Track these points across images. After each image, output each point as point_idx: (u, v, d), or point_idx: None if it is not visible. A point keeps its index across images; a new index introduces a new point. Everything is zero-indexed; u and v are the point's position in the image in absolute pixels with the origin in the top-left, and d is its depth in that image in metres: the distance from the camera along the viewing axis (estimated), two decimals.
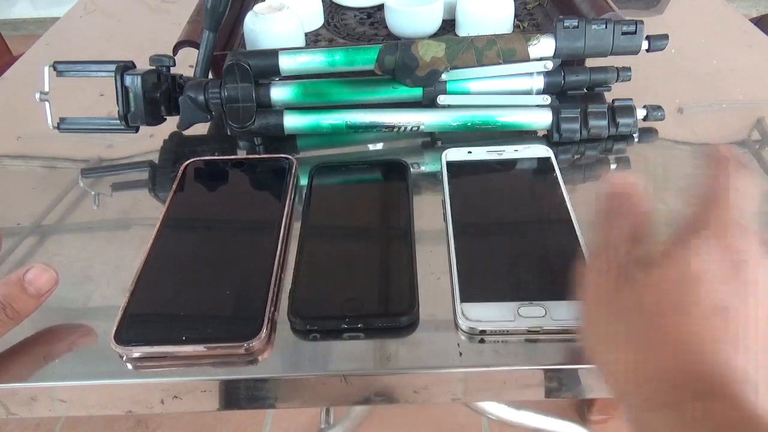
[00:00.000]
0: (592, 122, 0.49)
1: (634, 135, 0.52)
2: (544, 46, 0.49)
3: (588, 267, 0.31)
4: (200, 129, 0.54)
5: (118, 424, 1.16)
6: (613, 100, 0.50)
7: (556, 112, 0.50)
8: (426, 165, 0.50)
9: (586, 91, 0.55)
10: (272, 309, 0.37)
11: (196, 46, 0.55)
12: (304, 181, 0.47)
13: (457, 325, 0.36)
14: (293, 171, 0.47)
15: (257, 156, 0.52)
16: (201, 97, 0.49)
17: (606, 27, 0.49)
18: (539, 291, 0.36)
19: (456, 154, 0.47)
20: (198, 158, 0.49)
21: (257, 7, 0.61)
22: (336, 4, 0.72)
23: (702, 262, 0.28)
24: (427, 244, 0.41)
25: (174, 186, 0.46)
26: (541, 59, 0.50)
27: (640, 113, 0.51)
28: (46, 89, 0.50)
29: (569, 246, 0.39)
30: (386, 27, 0.66)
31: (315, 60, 0.50)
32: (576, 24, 0.48)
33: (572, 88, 0.53)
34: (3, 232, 0.45)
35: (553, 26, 0.49)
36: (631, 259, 0.29)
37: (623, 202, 0.32)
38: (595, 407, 1.09)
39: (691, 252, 0.28)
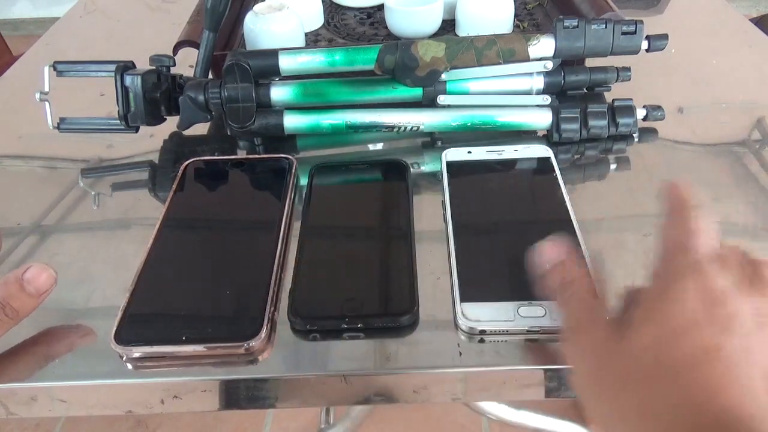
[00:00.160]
0: (592, 122, 0.49)
1: (634, 135, 0.52)
2: (544, 46, 0.49)
3: (571, 345, 0.31)
4: (200, 129, 0.54)
5: (118, 424, 1.16)
6: (613, 100, 0.50)
7: (556, 112, 0.50)
8: (426, 165, 0.50)
9: (586, 91, 0.55)
10: (272, 309, 0.37)
11: (196, 46, 0.55)
12: (304, 181, 0.47)
13: (456, 325, 0.36)
14: (293, 171, 0.47)
15: (257, 156, 0.52)
16: (201, 97, 0.49)
17: (606, 27, 0.49)
18: (539, 291, 0.36)
19: (456, 154, 0.47)
20: (198, 158, 0.49)
21: (257, 7, 0.61)
22: (336, 4, 0.72)
23: (680, 311, 0.27)
24: (427, 244, 0.41)
25: (174, 186, 0.46)
26: (541, 59, 0.50)
27: (640, 113, 0.51)
28: (46, 89, 0.50)
29: None
30: (386, 27, 0.66)
31: (315, 60, 0.50)
32: (576, 24, 0.48)
33: (572, 88, 0.53)
34: (3, 232, 0.45)
35: (553, 26, 0.49)
36: (610, 334, 0.29)
37: (572, 288, 0.32)
38: None
39: (668, 304, 0.28)
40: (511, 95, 0.52)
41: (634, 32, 0.49)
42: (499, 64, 0.49)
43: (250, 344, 0.34)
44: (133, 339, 0.35)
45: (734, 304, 0.27)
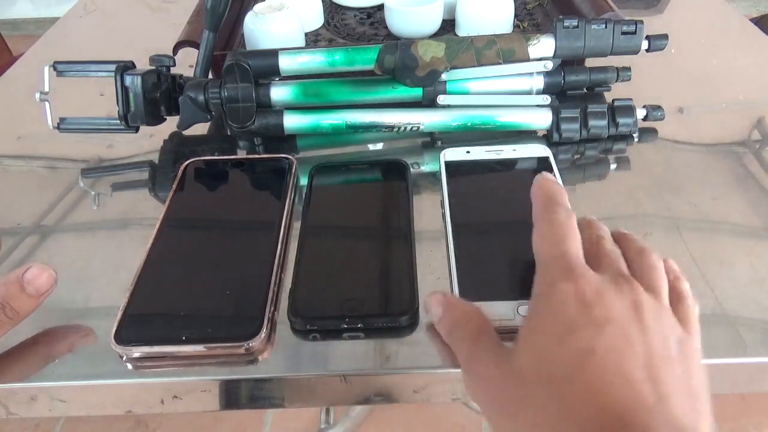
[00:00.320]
0: (592, 122, 0.49)
1: (634, 135, 0.52)
2: (544, 46, 0.49)
3: (467, 378, 0.31)
4: (200, 129, 0.54)
5: (118, 424, 1.16)
6: (613, 100, 0.50)
7: (556, 112, 0.50)
8: (426, 165, 0.50)
9: (586, 91, 0.55)
10: (272, 309, 0.37)
11: (196, 46, 0.55)
12: (304, 181, 0.47)
13: None
14: (293, 171, 0.47)
15: (257, 156, 0.52)
16: (201, 97, 0.49)
17: (606, 27, 0.49)
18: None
19: (454, 153, 0.47)
20: (198, 158, 0.49)
21: (257, 7, 0.61)
22: (336, 4, 0.72)
23: (556, 320, 0.28)
24: (427, 244, 0.41)
25: (174, 186, 0.46)
26: (541, 59, 0.50)
27: (640, 113, 0.51)
28: (46, 89, 0.50)
29: None
30: (386, 27, 0.66)
31: (315, 60, 0.50)
32: (576, 24, 0.48)
33: (572, 88, 0.53)
34: (3, 232, 0.45)
35: (553, 26, 0.49)
36: (498, 359, 0.29)
37: (458, 329, 0.33)
38: None
39: (545, 317, 0.28)
40: (511, 95, 0.52)
41: (634, 32, 0.49)
42: (499, 64, 0.49)
43: (250, 344, 0.34)
44: (133, 339, 0.35)
45: (607, 302, 0.28)
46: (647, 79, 0.57)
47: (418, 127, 0.50)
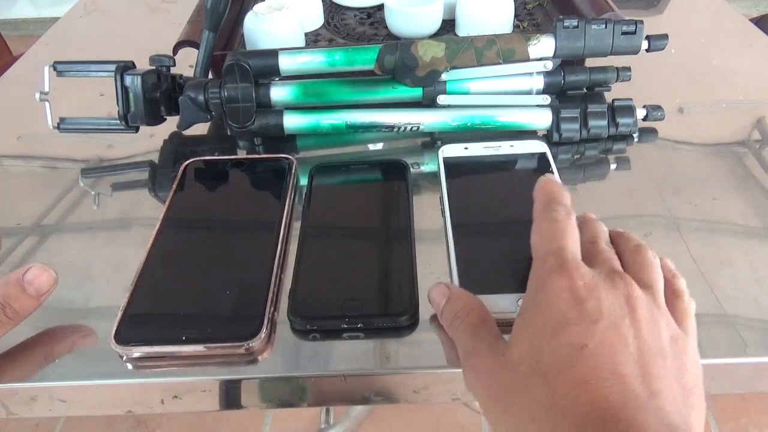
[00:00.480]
0: (592, 122, 0.49)
1: (634, 135, 0.52)
2: (544, 46, 0.49)
3: (466, 371, 0.31)
4: (200, 129, 0.54)
5: (118, 424, 1.16)
6: (613, 100, 0.50)
7: (556, 112, 0.50)
8: (426, 165, 0.50)
9: (586, 91, 0.55)
10: (272, 309, 0.37)
11: (196, 46, 0.55)
12: (304, 181, 0.47)
13: None
14: (293, 171, 0.47)
15: (257, 156, 0.52)
16: (201, 97, 0.49)
17: (606, 27, 0.49)
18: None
19: (452, 150, 0.48)
20: (198, 158, 0.49)
21: (257, 7, 0.61)
22: (336, 4, 0.72)
23: (549, 315, 0.28)
24: (427, 244, 0.41)
25: (174, 186, 0.46)
26: (541, 59, 0.50)
27: (640, 113, 0.51)
28: (46, 89, 0.50)
29: None
30: (386, 27, 0.66)
31: (315, 60, 0.50)
32: (576, 24, 0.48)
33: (572, 88, 0.53)
34: (3, 232, 0.45)
35: (553, 26, 0.49)
36: (495, 352, 0.29)
37: (458, 320, 0.33)
38: None
39: (538, 311, 0.29)
40: (511, 95, 0.52)
41: (634, 32, 0.49)
42: (499, 64, 0.49)
43: (250, 344, 0.34)
44: (133, 339, 0.35)
45: (600, 297, 0.28)
46: (647, 79, 0.57)
47: (418, 127, 0.50)
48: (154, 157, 0.53)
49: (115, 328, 0.35)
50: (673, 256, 0.33)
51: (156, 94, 0.50)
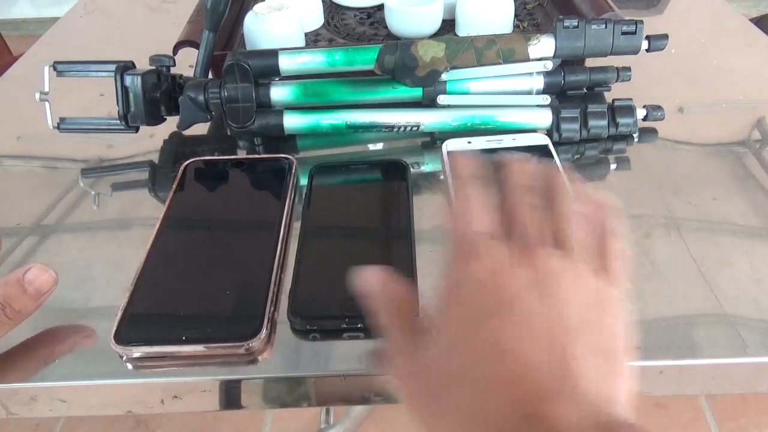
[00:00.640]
0: (592, 122, 0.49)
1: (634, 135, 0.52)
2: (544, 46, 0.49)
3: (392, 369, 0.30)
4: (200, 129, 0.54)
5: (118, 424, 1.16)
6: (613, 100, 0.50)
7: (556, 112, 0.50)
8: (426, 165, 0.50)
9: (586, 91, 0.55)
10: (272, 309, 0.37)
11: (196, 46, 0.55)
12: (304, 181, 0.47)
13: None
14: (293, 171, 0.47)
15: (257, 156, 0.52)
16: (201, 97, 0.49)
17: (606, 27, 0.49)
18: None
19: (456, 144, 0.48)
20: (198, 158, 0.49)
21: (257, 7, 0.61)
22: (336, 4, 0.72)
23: (458, 313, 0.26)
24: (427, 244, 0.41)
25: (174, 186, 0.46)
26: (541, 59, 0.50)
27: (640, 113, 0.51)
28: (46, 89, 0.50)
29: None
30: (386, 27, 0.66)
31: (315, 60, 0.50)
32: (576, 24, 0.48)
33: (572, 88, 0.53)
34: (3, 232, 0.45)
35: (553, 26, 0.49)
36: (413, 352, 0.28)
37: (389, 308, 0.30)
38: None
39: (449, 309, 0.27)
40: (511, 95, 0.52)
41: (634, 32, 0.49)
42: (499, 64, 0.49)
43: (250, 344, 0.34)
44: (133, 339, 0.35)
45: (512, 280, 0.26)
46: (647, 79, 0.57)
47: (418, 127, 0.50)
48: (154, 157, 0.53)
49: (115, 328, 0.35)
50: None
51: (156, 94, 0.50)
